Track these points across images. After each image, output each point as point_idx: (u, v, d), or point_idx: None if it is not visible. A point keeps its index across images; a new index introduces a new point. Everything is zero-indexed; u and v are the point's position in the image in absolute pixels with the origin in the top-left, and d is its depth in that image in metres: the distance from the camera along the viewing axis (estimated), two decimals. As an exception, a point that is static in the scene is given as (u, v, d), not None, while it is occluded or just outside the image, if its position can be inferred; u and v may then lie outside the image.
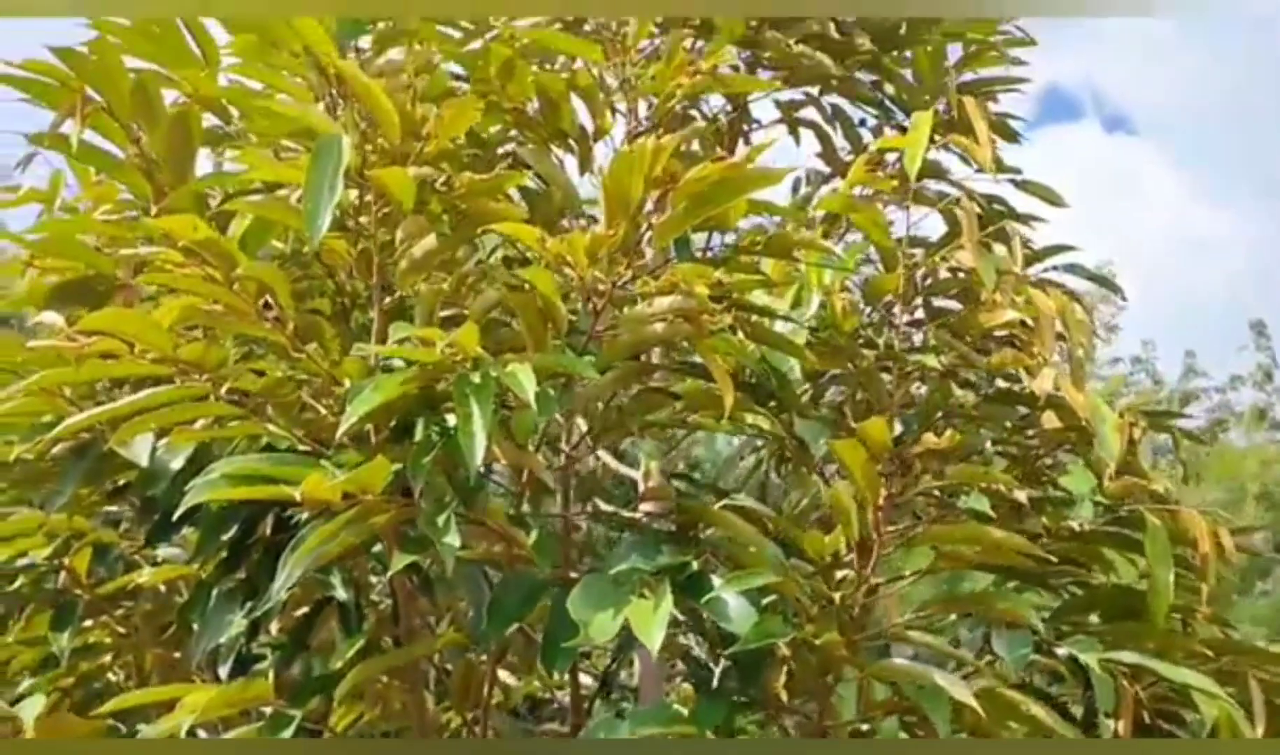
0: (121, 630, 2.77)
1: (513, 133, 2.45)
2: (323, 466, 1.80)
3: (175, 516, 1.99)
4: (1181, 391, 25.00)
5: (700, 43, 3.22)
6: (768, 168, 2.01)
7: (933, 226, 3.39)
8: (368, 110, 2.01)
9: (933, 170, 3.19)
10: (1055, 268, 3.49)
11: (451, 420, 1.92)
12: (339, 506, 1.80)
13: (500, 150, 2.44)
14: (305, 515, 1.86)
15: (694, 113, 3.20)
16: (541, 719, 3.53)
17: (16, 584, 2.66)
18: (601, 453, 2.62)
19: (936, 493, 1.98)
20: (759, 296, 2.36)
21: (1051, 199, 3.48)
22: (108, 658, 2.83)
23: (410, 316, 2.14)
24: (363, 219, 2.13)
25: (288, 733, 2.05)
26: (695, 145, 2.93)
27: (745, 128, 3.28)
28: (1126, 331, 24.78)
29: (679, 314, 1.95)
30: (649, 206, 1.87)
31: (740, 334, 2.14)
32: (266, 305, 2.04)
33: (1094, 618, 2.56)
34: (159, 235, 1.99)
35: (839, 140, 3.45)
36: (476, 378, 1.83)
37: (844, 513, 1.82)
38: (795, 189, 3.69)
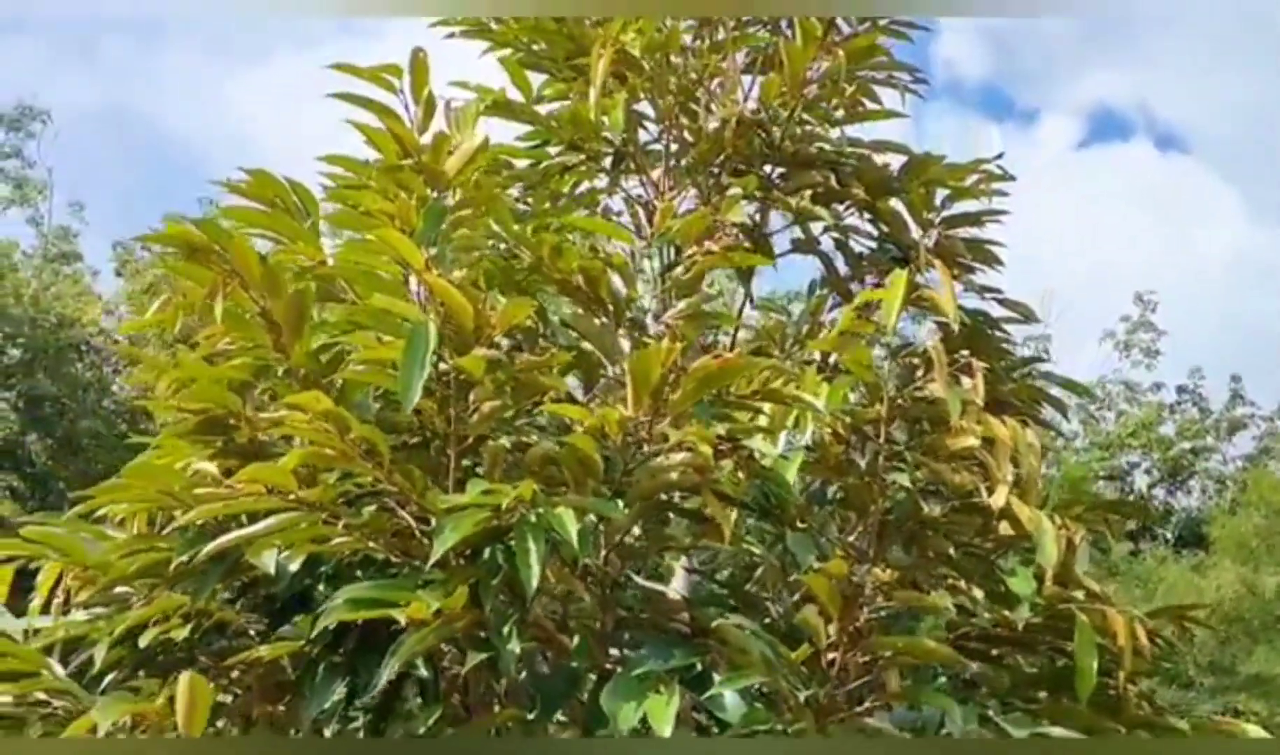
0: (237, 691, 3.36)
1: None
2: (418, 594, 2.37)
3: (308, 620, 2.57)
4: (1228, 419, 25.17)
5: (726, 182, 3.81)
6: (754, 359, 2.58)
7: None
8: (445, 304, 2.59)
9: (917, 298, 3.73)
10: (1031, 375, 4.04)
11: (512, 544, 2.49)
12: (429, 618, 2.37)
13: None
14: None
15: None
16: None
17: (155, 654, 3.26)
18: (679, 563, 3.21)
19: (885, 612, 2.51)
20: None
21: (1027, 315, 4.02)
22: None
23: (478, 456, 2.73)
24: (442, 366, 2.71)
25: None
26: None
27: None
28: (1174, 358, 24.94)
29: (689, 466, 2.51)
30: (666, 387, 2.43)
31: (740, 473, 2.69)
32: (368, 450, 2.64)
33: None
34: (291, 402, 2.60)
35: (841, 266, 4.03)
36: (533, 518, 2.40)
37: (813, 628, 2.37)
38: (811, 290, 4.25)
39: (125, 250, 20.60)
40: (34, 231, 20.50)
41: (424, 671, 2.99)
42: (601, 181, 4.07)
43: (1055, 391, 3.99)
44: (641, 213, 3.91)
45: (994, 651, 3.12)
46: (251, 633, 3.27)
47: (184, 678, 2.01)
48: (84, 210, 21.05)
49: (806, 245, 3.95)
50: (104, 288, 19.38)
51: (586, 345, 2.95)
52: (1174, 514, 25.56)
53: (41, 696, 3.04)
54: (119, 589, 3.29)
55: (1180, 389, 25.28)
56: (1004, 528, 3.09)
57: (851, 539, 3.22)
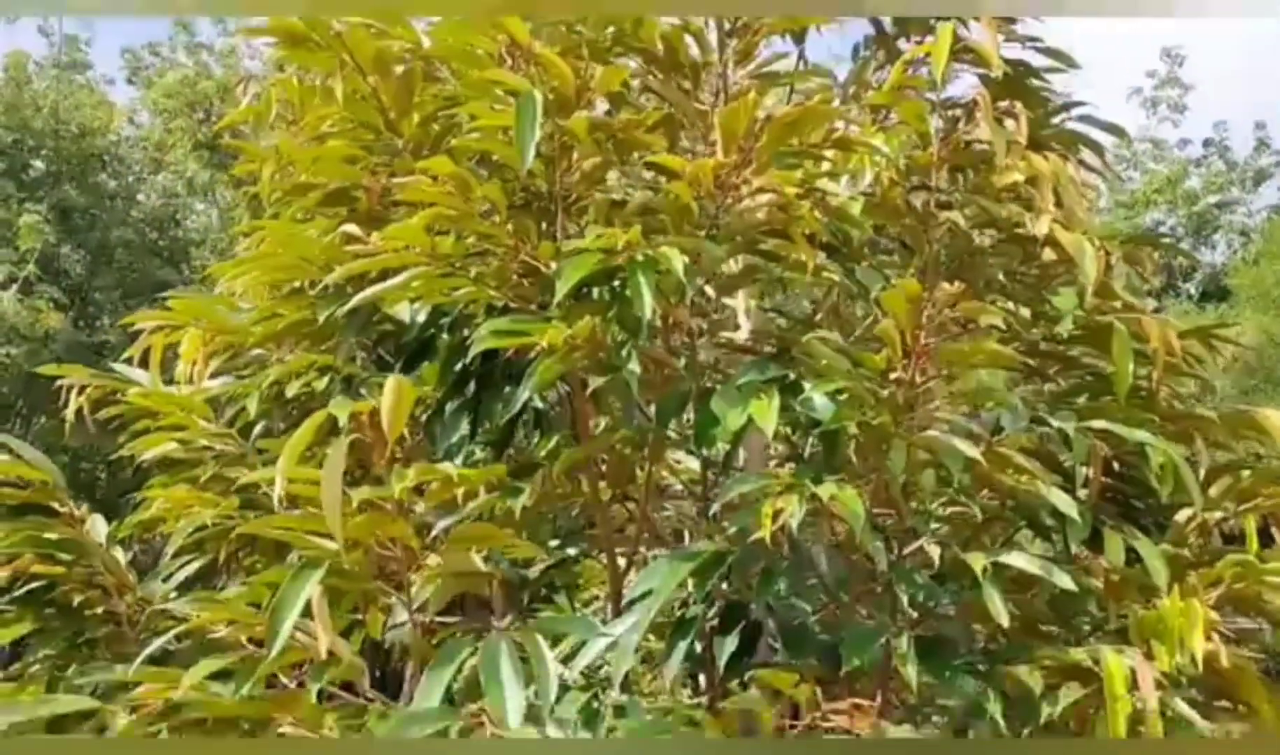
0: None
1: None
2: (551, 324, 2.74)
3: (461, 361, 3.01)
4: (1253, 169, 25.19)
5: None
6: (829, 108, 2.88)
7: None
8: (548, 71, 2.89)
9: (962, 50, 3.99)
10: (1071, 119, 4.30)
11: (620, 284, 2.86)
12: (558, 347, 2.75)
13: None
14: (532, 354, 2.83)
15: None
16: (667, 496, 4.52)
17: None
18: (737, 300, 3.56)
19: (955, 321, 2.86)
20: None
21: (1067, 61, 4.27)
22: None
23: (583, 212, 3.08)
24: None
25: (520, 500, 3.03)
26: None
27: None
28: (1202, 112, 24.82)
29: (774, 205, 2.85)
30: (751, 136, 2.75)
31: (815, 211, 3.03)
32: (486, 211, 2.98)
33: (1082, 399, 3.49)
34: (408, 168, 2.93)
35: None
36: (641, 257, 2.76)
37: (890, 339, 2.74)
38: (855, 53, 4.50)
39: (134, 56, 20.58)
40: (44, 42, 20.39)
41: (540, 403, 3.42)
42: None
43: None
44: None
45: (1038, 366, 3.50)
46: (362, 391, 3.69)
47: (390, 380, 2.36)
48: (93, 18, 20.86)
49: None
50: (118, 95, 19.38)
51: (668, 108, 3.25)
52: (1197, 269, 25.83)
53: (204, 443, 3.49)
54: (254, 352, 3.71)
55: (1206, 142, 25.22)
56: (1047, 254, 3.44)
57: (909, 274, 3.57)
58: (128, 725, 1.96)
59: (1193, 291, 25.31)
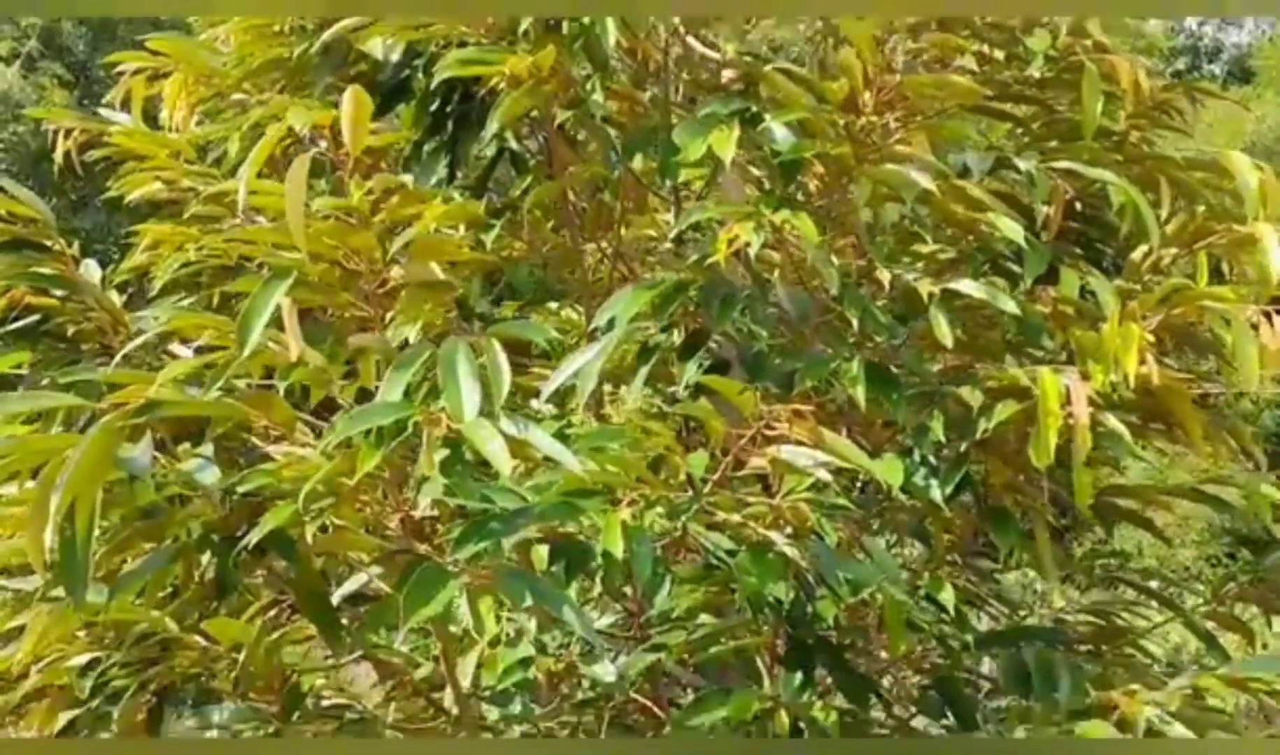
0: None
1: None
2: (516, 54, 2.77)
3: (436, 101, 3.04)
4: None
5: None
6: None
7: None
8: None
9: None
10: None
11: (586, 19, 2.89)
12: (525, 79, 2.79)
13: None
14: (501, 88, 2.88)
15: None
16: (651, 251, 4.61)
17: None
18: (691, 39, 3.57)
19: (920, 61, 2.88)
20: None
21: None
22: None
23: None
24: None
25: (491, 234, 3.12)
26: None
27: None
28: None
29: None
30: None
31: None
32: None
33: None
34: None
35: None
36: (605, -7, 2.78)
37: (849, 69, 2.77)
38: None
39: None
40: None
41: (514, 145, 3.48)
42: None
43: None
44: None
45: (1010, 110, 3.52)
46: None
47: (349, 90, 2.41)
48: None
49: None
50: None
51: None
52: (1223, 51, 25.33)
53: (188, 184, 3.57)
54: (235, 98, 3.75)
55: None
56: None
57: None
58: (109, 419, 2.08)
59: (1217, 72, 24.85)
